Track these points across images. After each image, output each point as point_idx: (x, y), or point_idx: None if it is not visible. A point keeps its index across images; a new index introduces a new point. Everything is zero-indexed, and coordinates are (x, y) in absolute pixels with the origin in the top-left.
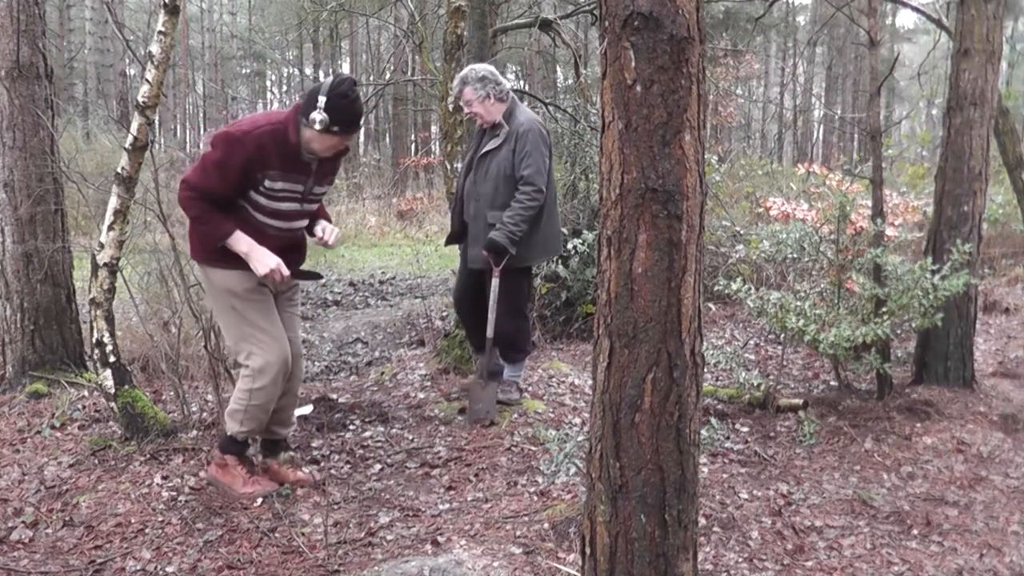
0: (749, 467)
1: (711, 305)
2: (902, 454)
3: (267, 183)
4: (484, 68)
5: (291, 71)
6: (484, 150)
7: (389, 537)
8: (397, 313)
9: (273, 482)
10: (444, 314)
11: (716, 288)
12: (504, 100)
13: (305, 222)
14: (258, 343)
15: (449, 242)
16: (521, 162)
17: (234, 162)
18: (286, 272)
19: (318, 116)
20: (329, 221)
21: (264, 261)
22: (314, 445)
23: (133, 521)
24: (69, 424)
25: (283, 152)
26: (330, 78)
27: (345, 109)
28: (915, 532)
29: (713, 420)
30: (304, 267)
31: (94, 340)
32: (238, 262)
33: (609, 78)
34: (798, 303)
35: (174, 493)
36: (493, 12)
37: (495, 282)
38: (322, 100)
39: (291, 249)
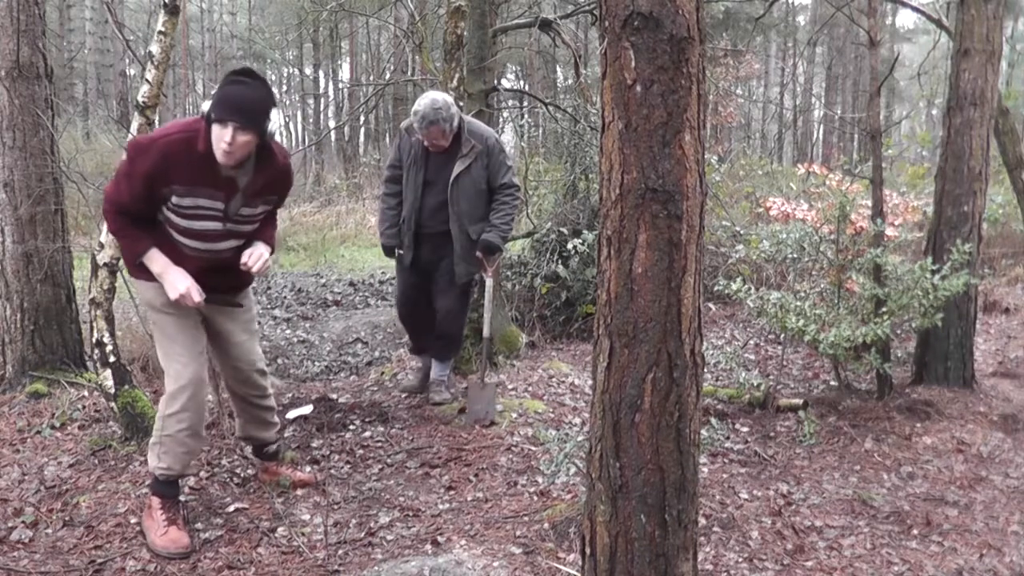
0: (749, 467)
1: (711, 305)
2: (902, 454)
3: (174, 199)
4: (445, 100)
5: (291, 71)
6: (456, 172)
7: (389, 537)
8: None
9: (187, 540)
10: None
11: (716, 288)
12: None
13: (234, 243)
14: (174, 362)
15: (399, 255)
16: (499, 171)
17: (139, 172)
18: (196, 298)
19: (204, 103)
20: (268, 242)
21: (174, 284)
22: (314, 445)
23: (133, 521)
24: (69, 424)
25: (191, 164)
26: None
27: (223, 92)
28: (915, 532)
29: (713, 420)
30: (300, 271)
31: (94, 340)
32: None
33: (609, 78)
34: (798, 303)
35: None
36: (493, 12)
37: (489, 282)
38: (213, 87)
39: (217, 272)
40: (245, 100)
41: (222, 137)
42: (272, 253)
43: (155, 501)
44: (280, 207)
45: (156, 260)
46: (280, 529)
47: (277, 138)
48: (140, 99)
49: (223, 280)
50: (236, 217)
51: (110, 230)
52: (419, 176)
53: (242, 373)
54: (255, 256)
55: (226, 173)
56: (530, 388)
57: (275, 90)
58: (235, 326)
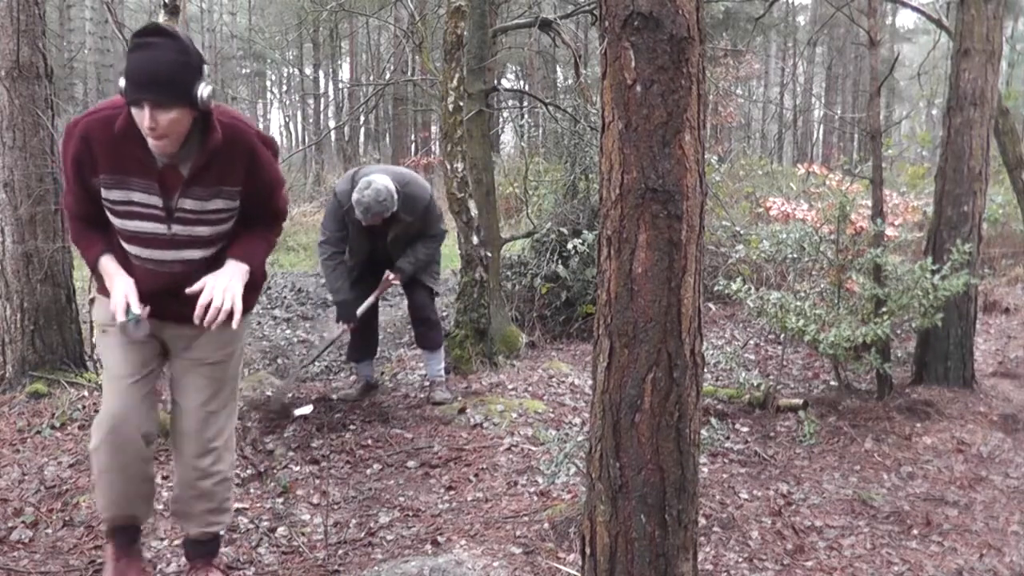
0: (749, 467)
1: (711, 305)
2: (902, 454)
3: (104, 192)
4: (388, 190)
5: (291, 71)
6: (392, 237)
7: (389, 537)
8: (397, 313)
9: None
10: (444, 314)
11: (716, 288)
12: None
13: (191, 253)
14: (104, 391)
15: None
16: (430, 226)
17: (68, 162)
18: (120, 317)
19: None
20: (248, 261)
21: (112, 291)
22: (314, 445)
23: None
24: (69, 424)
25: (115, 148)
26: None
27: (127, 65)
28: (915, 532)
29: (713, 420)
30: (300, 271)
31: (94, 340)
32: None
33: (609, 78)
34: (798, 303)
35: None
36: (493, 12)
37: (389, 278)
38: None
39: (176, 296)
40: (156, 68)
41: (142, 122)
42: (259, 285)
43: (108, 547)
44: (273, 211)
45: (106, 268)
46: (280, 529)
47: (275, 137)
48: None
49: (187, 309)
50: (181, 215)
51: (71, 239)
52: (364, 244)
53: (181, 443)
54: (209, 288)
55: (163, 160)
56: (530, 388)
57: (275, 90)
58: (193, 374)
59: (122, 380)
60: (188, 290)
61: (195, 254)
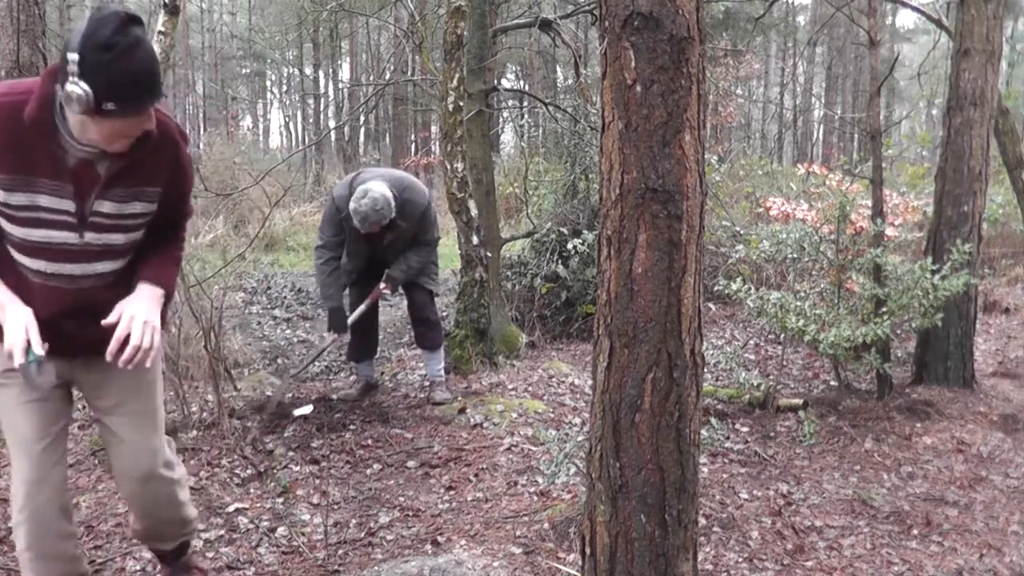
0: (749, 467)
1: (711, 305)
2: (902, 454)
3: (3, 196)
4: (384, 198)
5: (291, 71)
6: (389, 241)
7: (389, 537)
8: (397, 313)
9: None
10: (444, 314)
11: (716, 288)
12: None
13: (103, 266)
14: (13, 457)
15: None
16: (426, 231)
17: None
18: (19, 358)
19: (76, 90)
20: (159, 282)
21: (7, 326)
22: (314, 445)
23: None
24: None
25: (22, 142)
26: (89, 16)
27: (114, 69)
28: (915, 532)
29: (713, 420)
30: (300, 271)
31: None
32: None
33: (609, 78)
34: (798, 303)
35: None
36: (493, 12)
37: (381, 288)
38: (74, 59)
39: (87, 317)
40: (155, 65)
41: (125, 131)
42: (167, 306)
43: None
44: (182, 217)
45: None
46: (280, 529)
47: (279, 138)
48: None
49: (98, 330)
50: (96, 221)
51: None
52: (362, 248)
53: (126, 475)
54: (127, 319)
55: (79, 155)
56: (530, 388)
57: (275, 90)
58: (120, 430)
59: (33, 445)
60: (105, 322)
61: (108, 266)
